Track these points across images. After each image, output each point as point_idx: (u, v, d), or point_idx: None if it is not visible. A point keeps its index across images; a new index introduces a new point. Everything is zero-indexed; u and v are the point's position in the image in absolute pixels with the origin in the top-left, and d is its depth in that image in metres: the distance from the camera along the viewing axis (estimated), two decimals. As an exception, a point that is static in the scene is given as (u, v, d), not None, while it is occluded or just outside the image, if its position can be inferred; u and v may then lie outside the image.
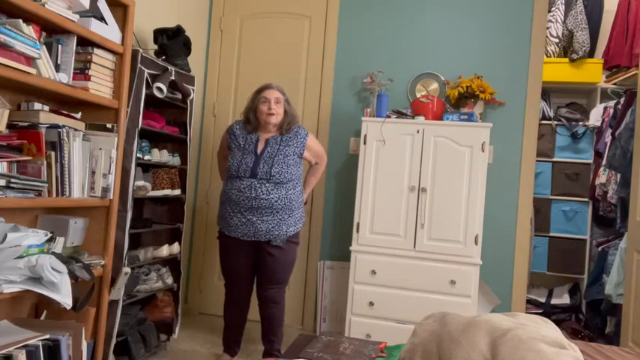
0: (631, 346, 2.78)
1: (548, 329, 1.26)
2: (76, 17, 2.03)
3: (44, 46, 1.93)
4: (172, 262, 2.94)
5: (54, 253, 1.91)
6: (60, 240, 2.04)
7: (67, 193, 2.03)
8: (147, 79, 2.53)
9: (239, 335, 2.81)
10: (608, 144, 3.74)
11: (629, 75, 3.70)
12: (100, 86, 2.21)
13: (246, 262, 2.66)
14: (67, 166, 2.02)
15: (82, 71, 2.14)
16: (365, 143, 3.03)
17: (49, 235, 1.93)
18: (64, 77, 2.00)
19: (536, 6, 3.26)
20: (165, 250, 2.84)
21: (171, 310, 2.89)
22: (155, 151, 2.77)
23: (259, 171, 2.52)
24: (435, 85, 3.35)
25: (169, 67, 2.71)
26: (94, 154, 2.19)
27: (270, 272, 2.63)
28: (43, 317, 2.18)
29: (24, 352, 1.76)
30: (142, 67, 2.49)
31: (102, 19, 2.20)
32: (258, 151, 2.58)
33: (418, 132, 2.96)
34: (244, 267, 2.67)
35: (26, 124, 1.95)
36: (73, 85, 2.06)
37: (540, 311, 3.96)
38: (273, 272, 2.63)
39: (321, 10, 3.57)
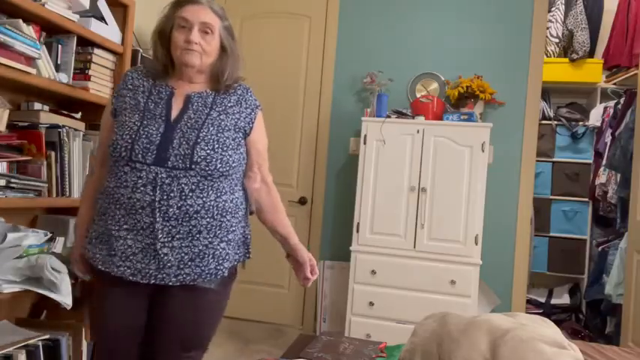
0: (631, 346, 2.78)
1: (548, 329, 1.26)
2: (76, 17, 2.03)
3: (44, 46, 1.93)
4: (172, 262, 2.93)
5: (54, 253, 1.91)
6: (60, 240, 2.04)
7: (67, 193, 2.03)
8: (147, 79, 2.53)
9: None
10: (608, 144, 3.74)
11: (629, 75, 3.70)
12: (100, 86, 2.21)
13: (139, 321, 1.51)
14: (67, 166, 2.02)
15: (82, 71, 2.14)
16: (365, 143, 3.03)
17: (49, 235, 1.93)
18: (64, 77, 2.01)
19: (536, 6, 3.26)
20: (165, 250, 2.83)
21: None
22: (155, 151, 2.76)
23: (172, 152, 1.42)
24: (435, 85, 3.35)
25: (169, 67, 2.70)
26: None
27: (183, 331, 1.51)
28: (43, 317, 2.18)
29: (24, 352, 1.77)
30: (142, 67, 2.48)
31: (102, 19, 2.20)
32: (172, 116, 1.48)
33: (418, 132, 2.96)
34: (136, 329, 1.52)
35: (26, 124, 1.95)
36: (73, 85, 2.06)
37: (540, 311, 3.96)
38: (189, 330, 1.52)
39: (321, 10, 3.57)
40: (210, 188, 1.46)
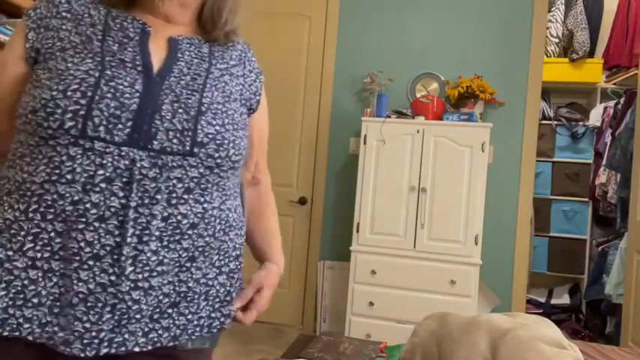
0: (631, 346, 2.78)
1: (549, 329, 1.26)
2: (76, 17, 2.03)
3: (44, 46, 1.93)
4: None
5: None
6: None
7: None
8: (147, 79, 2.52)
9: None
10: (608, 144, 3.74)
11: (629, 75, 3.70)
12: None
13: None
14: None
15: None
16: (365, 143, 3.03)
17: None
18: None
19: (536, 6, 3.26)
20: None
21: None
22: (155, 151, 2.75)
23: (160, 125, 0.80)
24: (435, 85, 3.35)
25: (169, 67, 2.69)
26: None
27: None
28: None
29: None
30: (142, 67, 2.48)
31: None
32: (155, 65, 0.85)
33: (418, 132, 2.96)
34: None
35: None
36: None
37: (540, 311, 3.97)
38: None
39: (321, 10, 3.57)
40: (215, 188, 0.86)
